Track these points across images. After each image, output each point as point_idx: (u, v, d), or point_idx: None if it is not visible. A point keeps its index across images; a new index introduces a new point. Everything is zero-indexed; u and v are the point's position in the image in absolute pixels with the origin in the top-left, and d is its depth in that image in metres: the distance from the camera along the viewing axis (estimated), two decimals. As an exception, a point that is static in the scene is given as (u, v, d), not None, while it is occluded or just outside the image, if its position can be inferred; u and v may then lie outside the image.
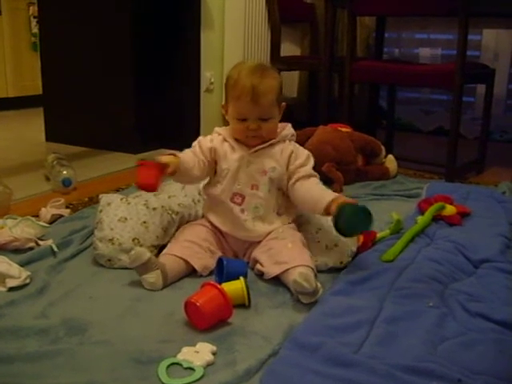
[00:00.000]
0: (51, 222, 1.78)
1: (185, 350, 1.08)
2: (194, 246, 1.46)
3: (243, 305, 1.27)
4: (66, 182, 2.18)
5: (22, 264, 1.42)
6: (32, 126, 3.48)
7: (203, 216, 1.60)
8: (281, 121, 1.54)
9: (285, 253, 1.41)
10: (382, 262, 1.51)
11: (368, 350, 1.08)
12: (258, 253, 1.47)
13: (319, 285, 1.31)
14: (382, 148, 2.56)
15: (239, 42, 3.17)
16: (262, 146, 1.50)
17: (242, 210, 1.50)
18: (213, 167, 1.54)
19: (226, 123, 1.55)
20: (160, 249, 1.52)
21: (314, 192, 1.47)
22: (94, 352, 1.08)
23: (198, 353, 1.07)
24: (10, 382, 0.98)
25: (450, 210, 1.87)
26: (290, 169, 1.51)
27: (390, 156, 2.57)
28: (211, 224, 1.54)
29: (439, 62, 3.50)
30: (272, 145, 1.51)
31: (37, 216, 1.78)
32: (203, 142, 1.54)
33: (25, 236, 1.55)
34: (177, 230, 1.57)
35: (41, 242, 1.58)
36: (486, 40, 3.46)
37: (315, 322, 1.19)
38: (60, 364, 1.03)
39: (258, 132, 1.47)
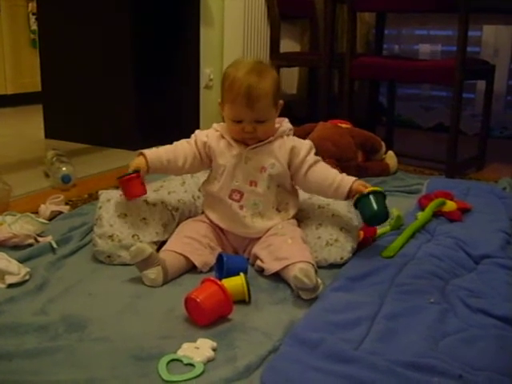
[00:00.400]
0: (50, 219, 1.77)
1: (185, 346, 1.08)
2: (194, 243, 1.45)
3: (243, 301, 1.26)
4: (66, 179, 2.18)
5: (22, 260, 1.42)
6: (31, 123, 3.48)
7: (203, 212, 1.60)
8: (279, 116, 1.53)
9: (285, 249, 1.40)
10: (382, 258, 1.51)
11: (369, 346, 1.08)
12: (257, 249, 1.47)
13: (319, 281, 1.31)
14: (382, 144, 2.56)
15: (239, 38, 3.17)
16: (259, 144, 1.49)
17: (241, 207, 1.49)
18: (206, 162, 1.55)
19: (224, 120, 1.54)
20: (160, 245, 1.52)
21: (330, 177, 1.50)
22: (94, 349, 1.07)
23: (199, 349, 1.06)
24: (9, 378, 0.98)
25: (450, 205, 1.87)
26: (295, 163, 1.51)
27: (390, 152, 2.57)
28: (211, 220, 1.54)
29: (439, 58, 3.49)
30: (270, 142, 1.50)
31: (36, 213, 1.77)
32: (199, 136, 1.55)
33: (24, 232, 1.55)
34: (177, 227, 1.57)
35: (40, 239, 1.58)
36: (485, 36, 3.45)
37: (316, 318, 1.18)
38: (59, 361, 1.03)
39: (254, 134, 1.47)
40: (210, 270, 1.44)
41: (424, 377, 0.97)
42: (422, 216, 1.78)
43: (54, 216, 1.80)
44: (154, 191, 1.61)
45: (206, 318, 1.16)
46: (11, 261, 1.37)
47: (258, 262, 1.44)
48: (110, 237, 1.48)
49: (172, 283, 1.37)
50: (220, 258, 1.40)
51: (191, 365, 1.03)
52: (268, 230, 1.49)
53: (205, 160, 1.55)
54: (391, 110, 3.21)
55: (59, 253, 1.52)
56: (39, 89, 3.24)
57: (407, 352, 1.05)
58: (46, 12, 3.10)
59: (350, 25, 2.76)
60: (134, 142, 2.85)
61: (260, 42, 3.31)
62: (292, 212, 1.55)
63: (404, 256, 1.52)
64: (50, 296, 1.28)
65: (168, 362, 1.03)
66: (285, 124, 1.54)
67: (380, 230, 1.68)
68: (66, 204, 1.93)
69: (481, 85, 3.21)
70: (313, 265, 1.36)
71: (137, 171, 1.49)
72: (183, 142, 1.56)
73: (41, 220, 1.64)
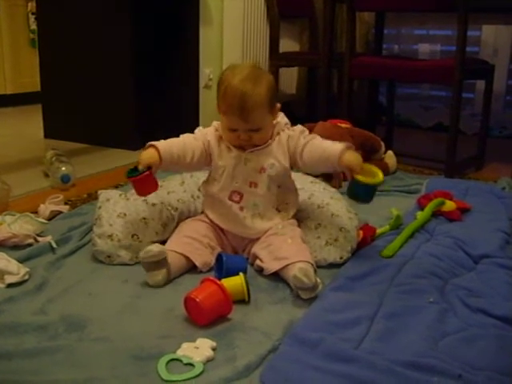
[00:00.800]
0: (50, 219, 1.77)
1: (184, 345, 1.08)
2: (194, 243, 1.45)
3: (243, 300, 1.26)
4: (65, 179, 2.18)
5: (21, 260, 1.42)
6: (30, 123, 3.47)
7: (202, 212, 1.60)
8: None
9: (284, 248, 1.40)
10: (381, 257, 1.51)
11: (368, 345, 1.08)
12: (257, 249, 1.47)
13: (319, 280, 1.31)
14: (382, 144, 2.56)
15: (238, 38, 3.17)
16: (257, 148, 1.48)
17: (241, 208, 1.49)
18: (208, 160, 1.52)
19: None
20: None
21: (321, 148, 1.46)
22: (94, 348, 1.07)
23: (198, 349, 1.07)
24: (8, 378, 0.98)
25: (449, 205, 1.87)
26: (291, 148, 1.48)
27: (390, 152, 2.57)
28: (211, 220, 1.54)
29: (438, 58, 3.49)
30: (268, 144, 1.48)
31: (35, 212, 1.77)
32: (203, 131, 1.53)
33: (23, 232, 1.55)
34: (176, 226, 1.57)
35: (39, 239, 1.58)
36: (485, 36, 3.45)
37: (315, 317, 1.19)
38: (59, 360, 1.03)
39: (250, 141, 1.45)
40: (210, 269, 1.44)
41: (423, 376, 0.97)
42: (421, 216, 1.78)
43: (53, 216, 1.80)
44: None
45: (206, 317, 1.16)
46: (11, 260, 1.37)
47: (258, 262, 1.44)
48: (110, 236, 1.48)
49: (171, 283, 1.37)
50: (219, 257, 1.40)
51: (191, 364, 1.03)
52: (268, 230, 1.49)
53: (208, 158, 1.52)
54: (390, 109, 3.21)
55: (59, 253, 1.52)
56: (38, 88, 3.23)
57: (407, 351, 1.05)
58: (45, 11, 3.09)
59: (350, 24, 2.75)
60: (134, 141, 2.85)
61: (259, 42, 3.31)
62: (292, 212, 1.55)
63: (403, 256, 1.52)
64: (49, 296, 1.28)
65: (167, 362, 1.03)
66: (281, 119, 1.52)
67: (379, 229, 1.69)
68: (66, 204, 1.93)
69: (480, 84, 3.21)
70: (312, 264, 1.37)
71: (149, 167, 1.42)
72: (189, 136, 1.52)
73: (40, 220, 1.64)
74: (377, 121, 3.37)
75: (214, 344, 1.09)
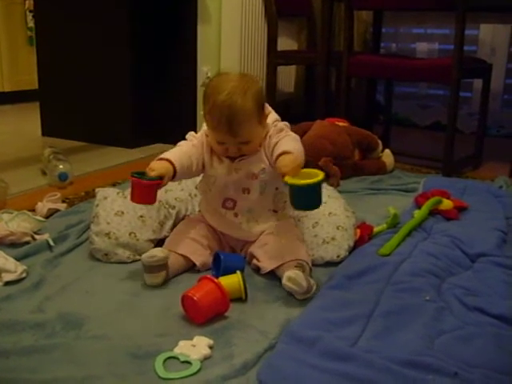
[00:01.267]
0: (47, 217, 1.77)
1: (182, 343, 1.08)
2: (194, 243, 1.45)
3: (240, 298, 1.27)
4: (63, 177, 2.17)
5: (18, 258, 1.42)
6: (28, 121, 3.47)
7: (200, 210, 1.60)
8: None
9: (280, 248, 1.40)
10: (378, 256, 1.51)
11: (365, 343, 1.08)
12: (254, 248, 1.47)
13: (312, 281, 1.31)
14: (379, 142, 2.57)
15: (236, 36, 3.16)
16: (246, 157, 1.43)
17: (236, 214, 1.48)
18: (202, 166, 1.48)
19: None
20: (156, 243, 1.52)
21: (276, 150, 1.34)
22: (91, 346, 1.08)
23: (195, 346, 1.07)
24: (6, 376, 0.98)
25: (446, 204, 1.87)
26: (266, 147, 1.41)
27: (387, 150, 2.57)
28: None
29: (436, 57, 3.49)
30: (258, 150, 1.43)
31: (33, 210, 1.77)
32: (198, 138, 1.48)
33: (21, 230, 1.55)
34: (173, 224, 1.57)
35: (37, 237, 1.58)
36: (482, 35, 3.46)
37: (312, 315, 1.19)
38: (56, 358, 1.03)
39: (239, 153, 1.41)
40: (208, 268, 1.44)
41: (420, 374, 0.97)
42: (418, 214, 1.78)
43: (50, 214, 1.80)
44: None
45: (203, 315, 1.17)
46: (8, 258, 1.37)
47: (254, 261, 1.44)
48: (107, 234, 1.48)
49: (169, 281, 1.37)
50: (217, 256, 1.40)
51: (188, 362, 1.03)
52: (265, 230, 1.49)
53: (202, 165, 1.48)
54: (388, 108, 3.22)
55: (56, 251, 1.52)
56: (36, 86, 3.23)
57: (403, 350, 1.06)
58: (42, 9, 3.09)
59: (348, 23, 2.75)
60: (131, 139, 2.85)
61: (257, 40, 3.31)
62: (290, 211, 1.55)
63: (400, 254, 1.52)
64: (46, 294, 1.28)
65: (165, 360, 1.04)
66: (269, 119, 1.44)
67: (376, 228, 1.69)
68: (63, 202, 1.93)
69: (478, 83, 3.21)
70: (307, 263, 1.37)
71: (161, 177, 1.34)
72: (188, 144, 1.47)
73: (38, 218, 1.64)
74: (374, 119, 3.38)
75: (211, 342, 1.09)
